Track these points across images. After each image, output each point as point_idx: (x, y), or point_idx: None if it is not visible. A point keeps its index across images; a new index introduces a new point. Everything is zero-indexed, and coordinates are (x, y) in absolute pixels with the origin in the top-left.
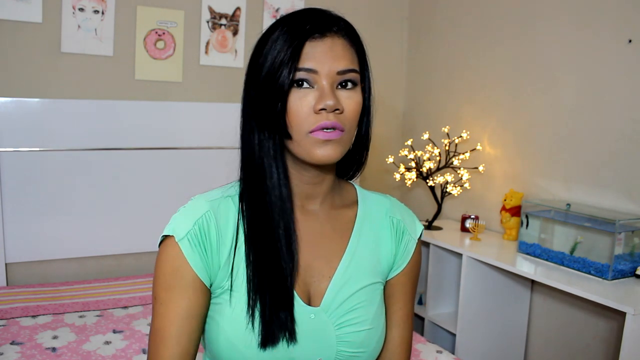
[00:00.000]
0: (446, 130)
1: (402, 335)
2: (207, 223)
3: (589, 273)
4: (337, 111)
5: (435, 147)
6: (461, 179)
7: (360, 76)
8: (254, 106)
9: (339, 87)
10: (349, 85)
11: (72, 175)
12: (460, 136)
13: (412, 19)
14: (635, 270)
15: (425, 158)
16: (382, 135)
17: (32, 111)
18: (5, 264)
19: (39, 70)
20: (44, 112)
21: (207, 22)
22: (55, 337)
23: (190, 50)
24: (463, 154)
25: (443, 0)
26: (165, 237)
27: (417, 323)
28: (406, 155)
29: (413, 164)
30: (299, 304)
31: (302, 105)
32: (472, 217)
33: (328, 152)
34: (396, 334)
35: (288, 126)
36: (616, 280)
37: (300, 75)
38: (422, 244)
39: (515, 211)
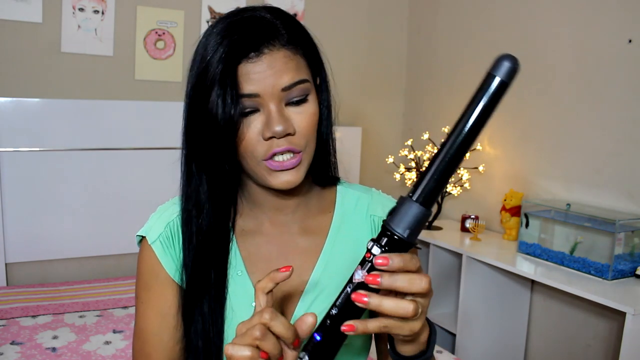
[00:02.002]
0: (446, 130)
1: None
2: (177, 226)
3: (589, 273)
4: (288, 135)
5: (435, 147)
6: (461, 179)
7: (312, 79)
8: (196, 139)
9: (291, 103)
10: (301, 98)
11: (72, 175)
12: None
13: (412, 19)
14: (635, 270)
15: (425, 158)
16: (382, 135)
17: (32, 111)
18: (5, 264)
19: (39, 70)
20: (44, 112)
21: (207, 22)
22: (55, 337)
23: (190, 50)
24: None
25: (443, 0)
26: (143, 236)
27: None
28: (406, 155)
29: (413, 164)
30: None
31: (250, 133)
32: (472, 217)
33: (287, 179)
34: None
35: (239, 157)
36: (616, 280)
37: (243, 103)
38: (422, 244)
39: (515, 211)
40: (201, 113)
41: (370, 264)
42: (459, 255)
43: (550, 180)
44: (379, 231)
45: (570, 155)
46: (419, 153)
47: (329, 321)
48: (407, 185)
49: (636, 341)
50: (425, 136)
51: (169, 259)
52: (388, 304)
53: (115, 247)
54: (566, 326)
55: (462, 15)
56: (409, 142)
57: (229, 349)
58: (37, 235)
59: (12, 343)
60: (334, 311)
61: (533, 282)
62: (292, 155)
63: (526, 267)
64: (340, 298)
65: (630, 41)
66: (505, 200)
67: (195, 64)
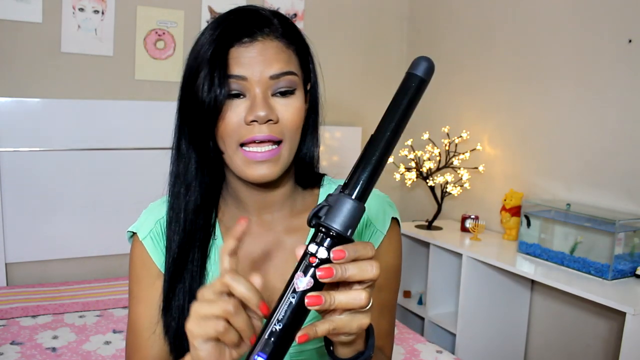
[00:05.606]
0: (446, 130)
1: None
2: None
3: (589, 273)
4: (270, 122)
5: (435, 147)
6: (461, 179)
7: (302, 78)
8: (186, 117)
9: (277, 94)
10: (287, 90)
11: (72, 175)
12: (460, 136)
13: (412, 19)
14: (635, 270)
15: (425, 158)
16: None
17: (32, 111)
18: (5, 264)
19: (39, 70)
20: (44, 112)
21: (207, 22)
22: (55, 337)
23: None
24: (463, 154)
25: (443, 0)
26: (134, 232)
27: (417, 323)
28: (406, 155)
29: (413, 164)
30: None
31: (232, 116)
32: (472, 217)
33: (263, 172)
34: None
35: (218, 138)
36: (616, 280)
37: (229, 84)
38: (422, 244)
39: (515, 211)
40: (190, 92)
41: (313, 268)
42: (459, 255)
43: (550, 180)
44: (314, 233)
45: (570, 155)
46: (419, 153)
47: (272, 339)
48: (407, 185)
49: (636, 341)
50: (425, 136)
51: (159, 254)
52: (341, 297)
53: (115, 247)
54: (566, 326)
55: (462, 15)
56: (409, 142)
57: (190, 324)
58: (37, 235)
59: (12, 343)
60: (277, 327)
61: (533, 282)
62: (271, 146)
63: (526, 267)
64: (282, 311)
65: (630, 41)
66: (505, 200)
67: (193, 46)
